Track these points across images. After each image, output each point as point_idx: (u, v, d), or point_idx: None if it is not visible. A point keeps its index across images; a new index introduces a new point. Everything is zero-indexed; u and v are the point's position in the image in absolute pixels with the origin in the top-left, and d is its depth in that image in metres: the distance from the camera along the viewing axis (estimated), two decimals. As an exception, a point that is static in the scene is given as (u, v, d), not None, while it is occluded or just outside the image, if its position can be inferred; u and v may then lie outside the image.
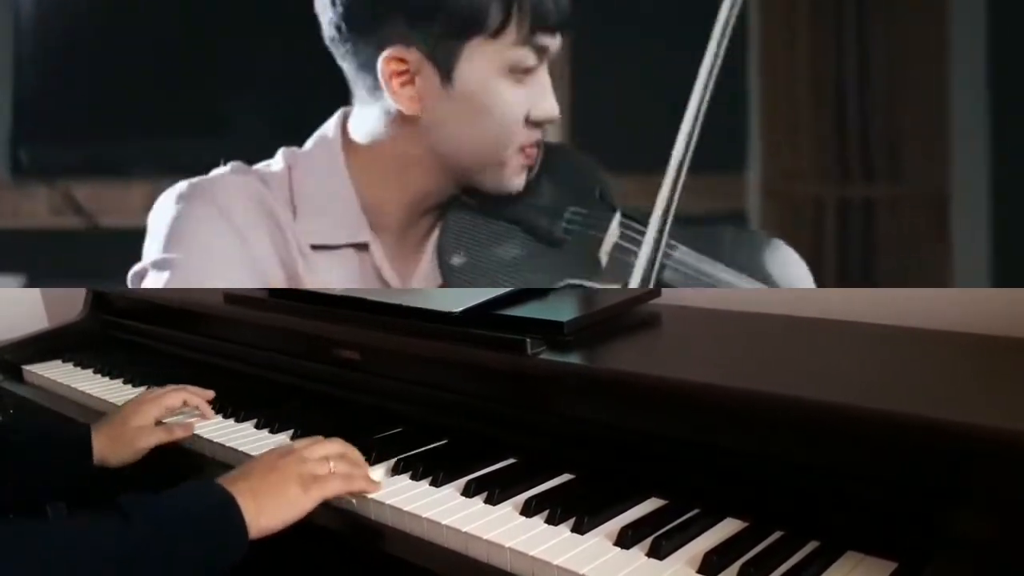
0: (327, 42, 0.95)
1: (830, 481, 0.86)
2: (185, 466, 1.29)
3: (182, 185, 0.92)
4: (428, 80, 0.90)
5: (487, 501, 1.00)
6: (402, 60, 0.90)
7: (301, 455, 1.02)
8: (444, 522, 0.96)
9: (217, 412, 1.39)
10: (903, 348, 1.10)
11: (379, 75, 0.90)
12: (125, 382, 1.63)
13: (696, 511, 0.94)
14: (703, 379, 0.97)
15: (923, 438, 0.80)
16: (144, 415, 1.29)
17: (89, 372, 1.73)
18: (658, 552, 0.86)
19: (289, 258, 0.93)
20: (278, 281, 0.92)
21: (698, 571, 0.83)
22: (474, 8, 0.86)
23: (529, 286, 0.97)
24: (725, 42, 0.85)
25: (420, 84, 0.90)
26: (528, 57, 0.90)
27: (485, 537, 0.92)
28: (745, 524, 0.92)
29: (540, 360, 1.10)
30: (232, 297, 1.56)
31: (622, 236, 0.95)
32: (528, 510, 0.97)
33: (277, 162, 0.96)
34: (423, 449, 1.17)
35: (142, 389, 1.55)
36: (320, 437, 1.10)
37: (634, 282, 0.89)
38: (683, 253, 0.94)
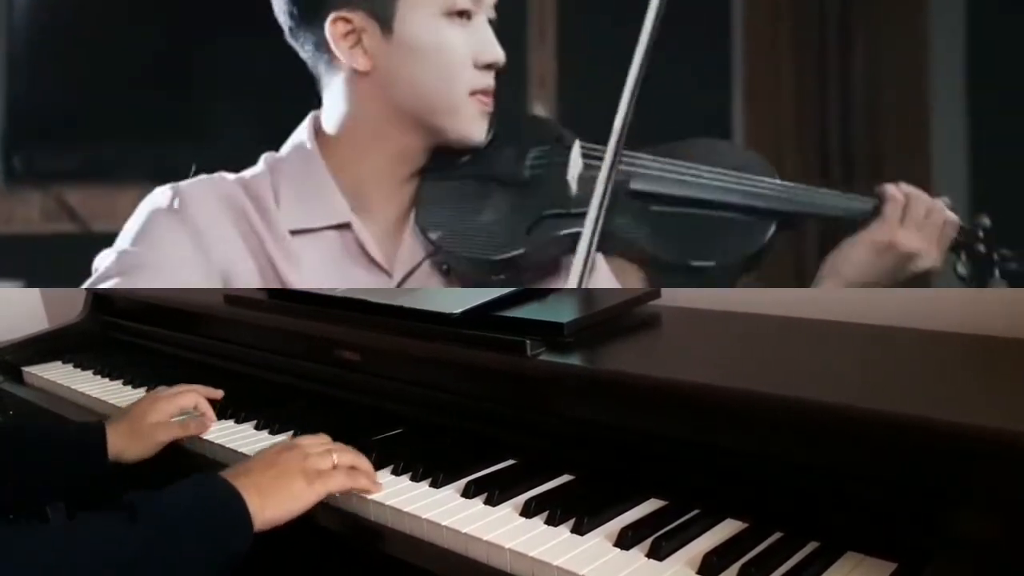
0: (288, 38, 1.01)
1: (830, 481, 0.86)
2: (185, 466, 1.29)
3: (165, 188, 1.00)
4: (373, 35, 0.97)
5: (487, 502, 1.00)
6: (347, 20, 0.97)
7: (304, 449, 1.04)
8: (444, 523, 0.96)
9: (217, 413, 1.39)
10: (903, 348, 1.10)
11: (329, 41, 0.97)
12: (125, 383, 1.63)
13: (696, 512, 0.94)
14: (703, 380, 0.97)
15: (923, 438, 0.80)
16: (161, 411, 1.31)
17: (89, 373, 1.73)
18: (658, 553, 0.86)
19: (263, 250, 0.98)
20: (246, 269, 0.97)
21: (698, 572, 0.83)
22: None
23: (508, 231, 0.99)
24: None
25: (366, 40, 0.97)
26: (463, 2, 0.96)
27: (485, 538, 0.92)
28: (745, 525, 0.92)
29: (540, 361, 1.10)
30: (232, 298, 1.56)
31: (585, 159, 1.00)
32: (528, 511, 0.97)
33: (258, 165, 1.02)
34: (423, 450, 1.16)
35: (142, 390, 1.56)
36: (324, 435, 1.10)
37: (599, 189, 0.93)
38: (647, 158, 1.00)
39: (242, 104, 1.71)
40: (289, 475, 0.99)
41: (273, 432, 1.30)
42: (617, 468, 1.03)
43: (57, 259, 1.68)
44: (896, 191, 0.97)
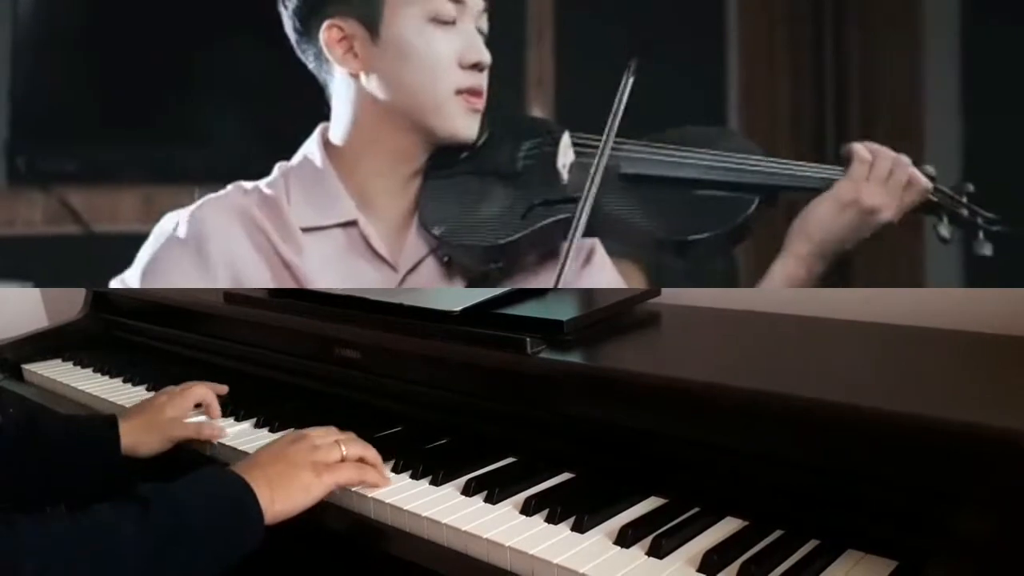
0: (298, 52, 1.08)
1: (830, 479, 0.86)
2: (186, 462, 1.29)
3: (171, 215, 1.06)
4: (362, 41, 1.02)
5: (487, 500, 1.00)
6: (339, 28, 1.02)
7: (313, 441, 1.04)
8: (444, 521, 0.96)
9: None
10: (903, 348, 1.10)
11: (323, 47, 1.03)
12: (125, 381, 1.63)
13: (696, 510, 0.94)
14: (703, 378, 0.97)
15: (923, 438, 0.80)
16: (178, 407, 1.32)
17: (89, 371, 1.73)
18: (658, 551, 0.86)
19: (276, 252, 1.03)
20: (261, 277, 1.03)
21: (698, 570, 0.83)
22: None
23: (505, 220, 1.04)
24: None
25: (357, 46, 1.03)
26: (445, 8, 1.01)
27: (485, 536, 0.92)
28: (745, 523, 0.92)
29: (540, 359, 1.10)
30: (232, 296, 1.56)
31: (577, 149, 1.05)
32: (528, 509, 0.97)
33: (274, 173, 1.08)
34: (423, 448, 1.17)
35: (142, 388, 1.56)
36: (332, 427, 1.11)
37: (597, 177, 0.98)
38: (634, 144, 1.04)
39: (243, 107, 1.72)
40: (298, 467, 1.00)
41: (273, 430, 1.30)
42: (617, 466, 1.03)
43: (59, 260, 1.69)
44: (863, 150, 1.00)
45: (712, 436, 0.95)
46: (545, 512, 0.96)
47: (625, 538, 0.89)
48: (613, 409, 1.03)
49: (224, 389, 1.41)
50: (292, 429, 1.26)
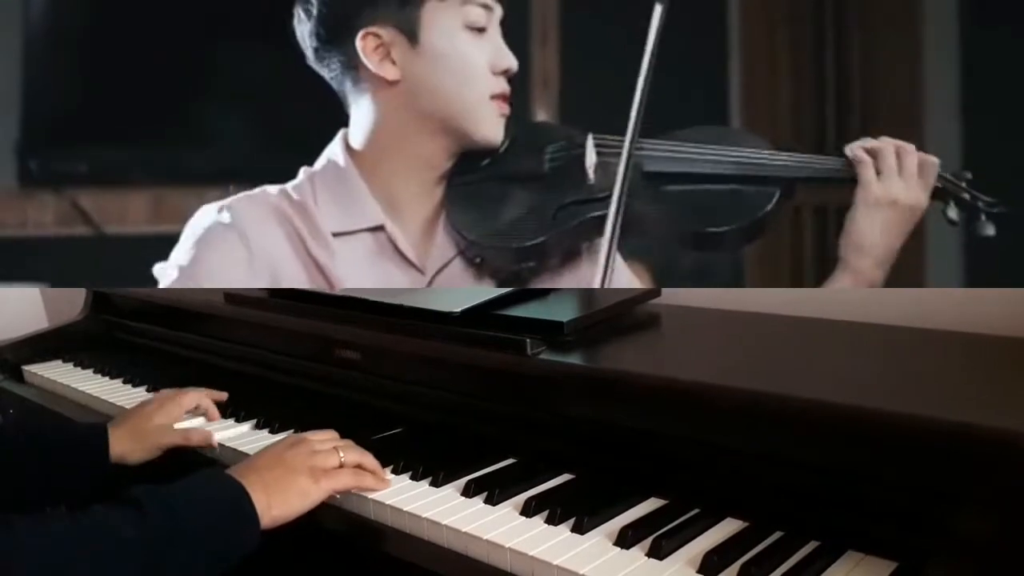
0: (310, 60, 1.08)
1: (830, 481, 0.86)
2: (184, 464, 1.29)
3: (211, 205, 1.05)
4: (401, 47, 1.03)
5: (487, 501, 1.00)
6: (376, 35, 1.03)
7: (311, 446, 1.04)
8: (444, 522, 0.96)
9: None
10: (903, 348, 1.10)
11: (360, 55, 1.03)
12: (125, 382, 1.63)
13: (696, 511, 0.94)
14: (703, 379, 0.97)
15: (923, 437, 0.80)
16: (166, 414, 1.31)
17: (89, 372, 1.73)
18: (658, 552, 0.86)
19: (310, 251, 1.04)
20: (298, 277, 1.03)
21: (698, 571, 0.83)
22: None
23: (535, 221, 1.06)
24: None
25: (395, 53, 1.03)
26: (478, 14, 1.04)
27: (485, 537, 0.92)
28: (745, 524, 0.92)
29: (540, 360, 1.10)
30: (232, 297, 1.56)
31: (599, 150, 1.06)
32: (528, 510, 0.97)
33: (300, 177, 1.08)
34: (423, 449, 1.16)
35: (142, 389, 1.56)
36: (332, 431, 1.11)
37: (621, 170, 0.99)
38: (656, 143, 1.06)
39: (252, 110, 1.73)
40: (296, 472, 1.00)
41: (273, 431, 1.30)
42: (617, 467, 1.03)
43: (69, 262, 1.69)
44: (862, 153, 1.02)
45: (712, 437, 0.95)
46: (545, 513, 0.96)
47: (625, 539, 0.89)
48: (613, 410, 1.03)
49: (223, 396, 1.40)
50: (292, 430, 1.27)
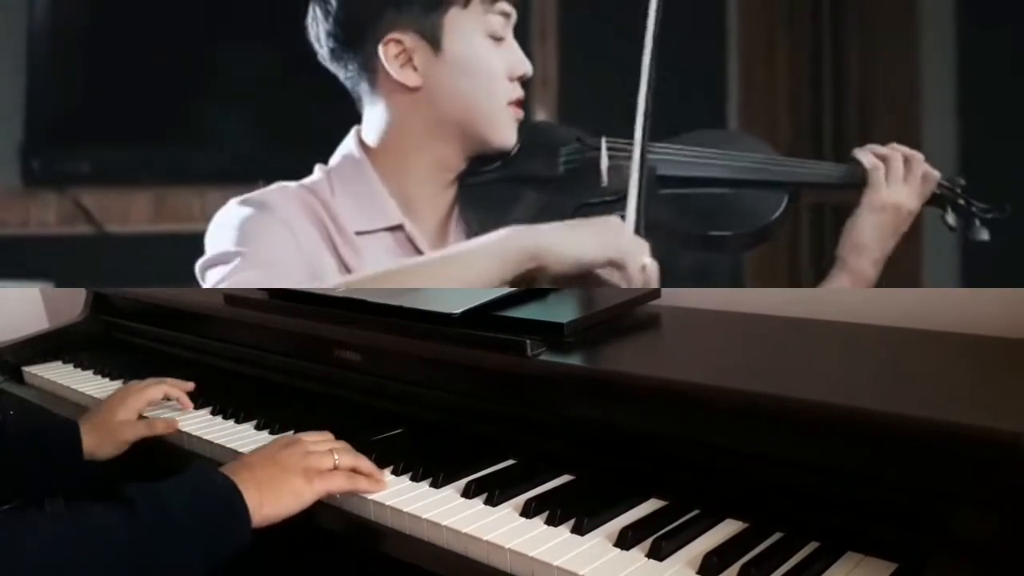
0: (324, 59, 1.07)
1: (830, 481, 0.86)
2: (185, 466, 1.29)
3: (245, 197, 1.03)
4: (423, 54, 1.03)
5: (487, 502, 1.00)
6: (399, 42, 1.03)
7: (306, 447, 1.05)
8: (444, 523, 0.96)
9: (217, 413, 1.39)
10: (903, 348, 1.10)
11: (382, 60, 1.03)
12: (125, 383, 1.63)
13: (696, 512, 0.94)
14: (703, 380, 0.97)
15: (923, 438, 0.80)
16: (128, 408, 1.33)
17: (89, 373, 1.73)
18: (658, 553, 0.86)
19: (336, 247, 1.04)
20: (330, 270, 1.03)
21: (698, 572, 0.83)
22: None
23: (548, 223, 1.05)
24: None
25: (417, 59, 1.03)
26: (498, 23, 1.04)
27: (485, 538, 0.92)
28: (745, 525, 0.92)
29: (540, 361, 1.10)
30: (232, 298, 1.56)
31: (613, 152, 1.08)
32: (528, 511, 0.97)
33: (316, 174, 1.08)
34: (423, 450, 1.16)
35: (142, 390, 1.56)
36: (328, 433, 1.11)
37: (634, 175, 1.00)
38: (668, 147, 1.08)
39: (254, 110, 1.73)
40: (289, 472, 1.00)
41: (273, 432, 1.30)
42: (617, 468, 1.03)
43: (72, 260, 1.70)
44: (874, 159, 1.07)
45: (712, 438, 0.95)
46: (545, 514, 0.96)
47: (625, 540, 0.89)
48: (613, 411, 1.03)
49: (190, 385, 1.42)
50: (292, 431, 1.27)
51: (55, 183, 1.70)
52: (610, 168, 1.07)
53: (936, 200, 1.09)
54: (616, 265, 0.96)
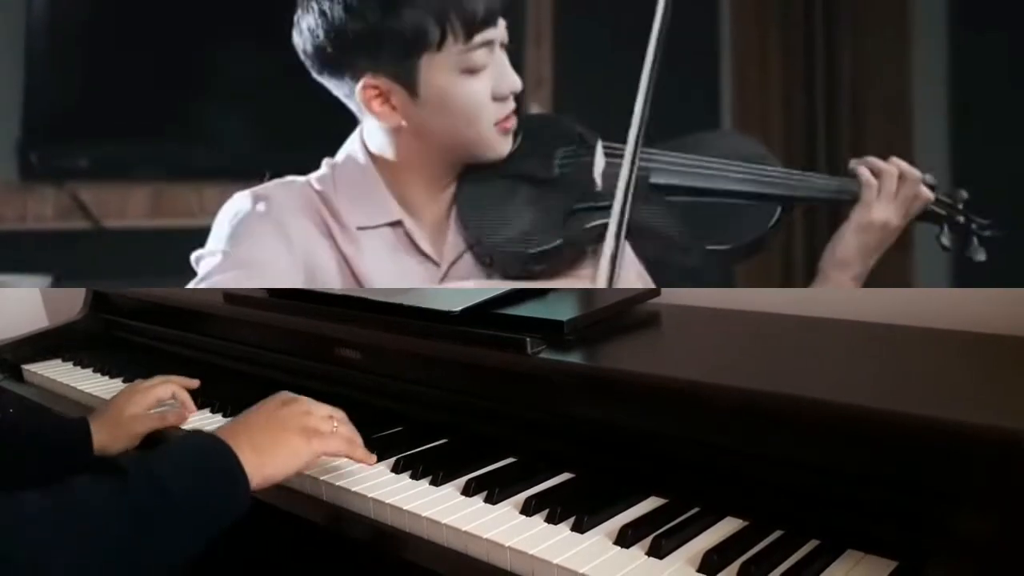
0: (315, 76, 1.07)
1: (830, 479, 0.86)
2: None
3: (244, 193, 1.05)
4: (400, 96, 1.03)
5: (487, 500, 1.00)
6: (375, 87, 1.03)
7: (306, 406, 1.05)
8: (444, 521, 0.96)
9: (217, 411, 1.39)
10: (903, 348, 1.10)
11: (361, 104, 1.04)
12: (125, 381, 1.63)
13: (696, 510, 0.94)
14: (703, 378, 0.97)
15: (923, 438, 0.80)
16: (138, 403, 1.34)
17: (89, 371, 1.73)
18: (658, 551, 0.86)
19: (337, 242, 1.05)
20: (328, 265, 1.04)
21: (698, 570, 0.83)
22: (415, 32, 1.00)
23: (544, 225, 1.07)
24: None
25: (395, 100, 1.03)
26: (478, 57, 1.02)
27: (485, 536, 0.92)
28: (745, 523, 0.92)
29: (540, 359, 1.10)
30: (232, 297, 1.56)
31: (608, 157, 1.08)
32: (528, 509, 0.97)
33: (322, 169, 1.09)
34: (423, 448, 1.17)
35: (142, 388, 1.56)
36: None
37: (622, 182, 1.01)
38: (663, 154, 1.08)
39: (252, 107, 1.74)
40: (288, 431, 1.01)
41: (273, 430, 1.30)
42: (617, 466, 1.03)
43: (69, 255, 1.71)
44: (869, 176, 1.06)
45: (712, 436, 0.95)
46: (545, 512, 0.96)
47: (625, 538, 0.89)
48: (613, 409, 1.03)
49: (195, 383, 1.43)
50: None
51: (53, 178, 1.70)
52: (604, 173, 1.07)
53: (933, 217, 1.08)
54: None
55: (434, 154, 1.06)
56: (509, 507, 0.99)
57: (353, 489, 1.06)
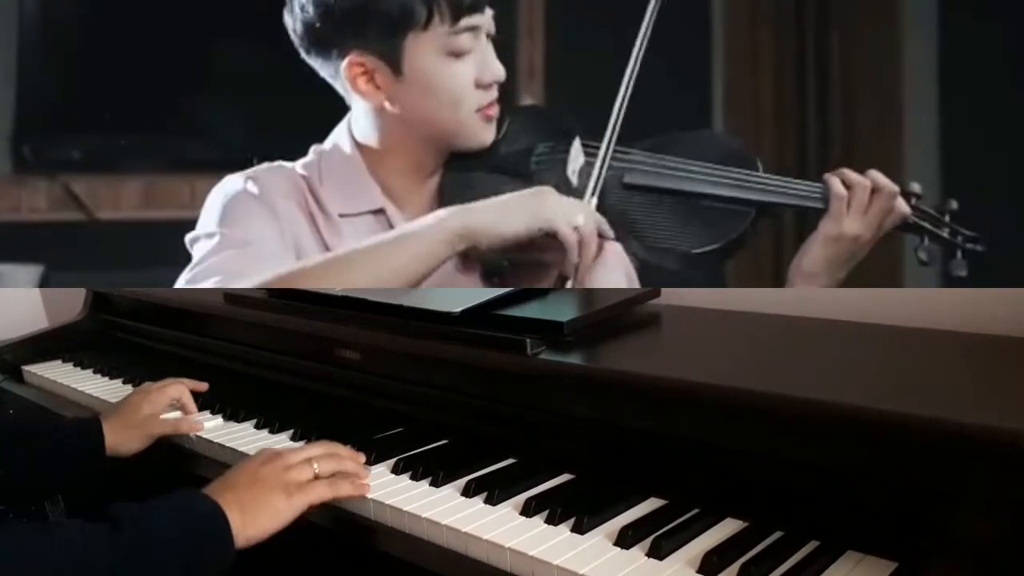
0: (304, 57, 1.08)
1: (830, 481, 0.86)
2: (186, 465, 1.30)
3: (236, 175, 1.06)
4: (384, 75, 1.04)
5: (487, 501, 1.00)
6: (360, 64, 1.04)
7: (285, 461, 1.04)
8: (444, 522, 0.96)
9: (217, 412, 1.39)
10: (903, 348, 1.10)
11: (346, 81, 1.05)
12: (125, 382, 1.63)
13: (696, 511, 0.94)
14: (703, 379, 0.97)
15: (923, 438, 0.80)
16: (153, 404, 1.35)
17: (89, 372, 1.73)
18: (658, 552, 0.86)
19: (319, 229, 1.06)
20: (312, 251, 1.05)
21: (698, 571, 0.83)
22: (401, 10, 1.02)
23: None
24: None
25: (379, 79, 1.05)
26: (463, 40, 1.04)
27: (485, 537, 0.92)
28: (745, 524, 0.92)
29: (540, 360, 1.10)
30: (232, 297, 1.56)
31: (585, 155, 1.08)
32: (528, 510, 0.97)
33: (310, 156, 1.11)
34: (423, 449, 1.17)
35: (142, 389, 1.56)
36: (308, 445, 1.11)
37: (592, 181, 1.02)
38: (638, 154, 1.08)
39: (244, 100, 1.74)
40: (269, 490, 1.00)
41: (273, 431, 1.30)
42: (617, 467, 1.03)
43: (63, 246, 1.72)
44: (839, 187, 1.04)
45: (712, 437, 0.95)
46: (545, 513, 0.96)
47: (625, 539, 0.89)
48: (613, 410, 1.03)
49: (204, 386, 1.43)
50: (292, 430, 1.28)
51: (46, 170, 1.71)
52: (580, 170, 1.08)
53: (915, 228, 1.06)
54: (548, 231, 0.99)
55: (418, 140, 1.08)
56: (509, 508, 0.99)
57: (353, 490, 1.06)
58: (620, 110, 1.02)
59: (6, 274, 1.70)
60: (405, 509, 1.00)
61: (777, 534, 0.89)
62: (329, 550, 1.09)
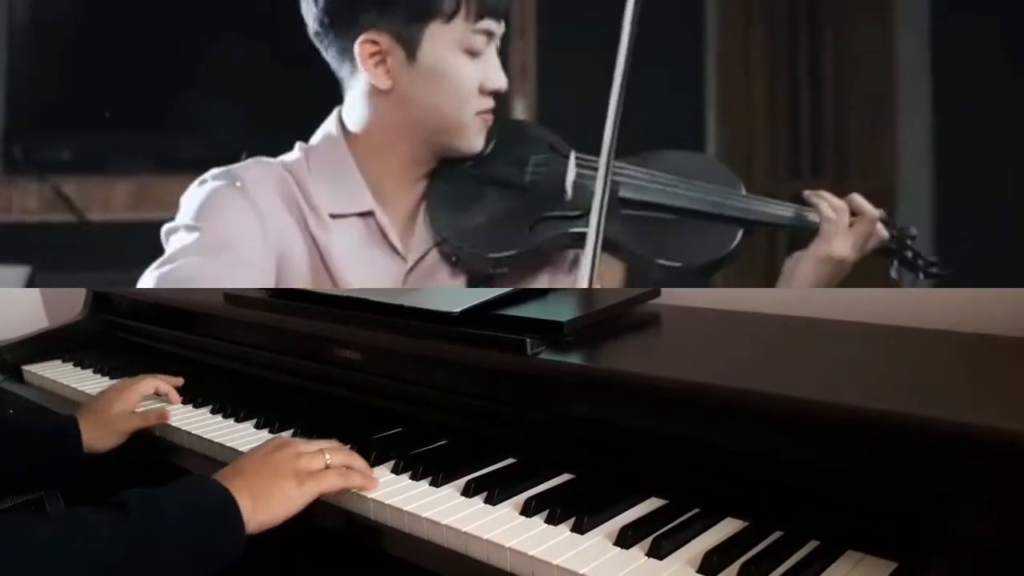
0: (311, 36, 1.09)
1: (830, 481, 0.86)
2: (183, 465, 1.30)
3: (222, 169, 1.06)
4: (397, 58, 1.05)
5: (487, 501, 1.00)
6: (375, 43, 1.05)
7: (297, 449, 1.04)
8: (444, 522, 0.96)
9: (216, 412, 1.39)
10: (902, 348, 1.10)
11: (356, 57, 1.05)
12: (125, 382, 1.63)
13: (696, 511, 0.94)
14: (703, 379, 0.97)
15: (923, 438, 0.80)
16: (125, 401, 1.37)
17: (89, 372, 1.73)
18: (658, 552, 0.86)
19: (309, 227, 1.07)
20: (299, 248, 1.05)
21: (698, 571, 0.83)
22: None
23: (510, 230, 1.10)
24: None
25: (390, 62, 1.05)
26: (478, 41, 1.05)
27: (485, 537, 0.92)
28: (745, 524, 0.92)
29: (540, 360, 1.10)
30: (232, 297, 1.56)
31: (580, 169, 1.10)
32: (528, 510, 0.97)
33: (295, 153, 1.10)
34: (423, 449, 1.17)
35: (142, 389, 1.56)
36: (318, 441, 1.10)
37: (596, 199, 1.02)
38: (634, 170, 1.11)
39: (235, 100, 1.74)
40: (281, 476, 1.00)
41: (273, 431, 1.30)
42: (617, 467, 1.03)
43: (53, 247, 1.72)
44: (829, 210, 1.08)
45: (712, 437, 0.95)
46: (545, 513, 0.96)
47: (625, 539, 0.89)
48: (613, 410, 1.03)
49: (179, 381, 1.46)
50: (293, 430, 1.28)
51: (36, 171, 1.72)
52: (575, 183, 1.09)
53: (885, 252, 1.12)
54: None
55: (412, 133, 1.08)
56: (509, 508, 0.99)
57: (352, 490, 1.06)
58: (614, 126, 1.02)
59: (-10, 275, 1.71)
60: (405, 509, 1.00)
61: (777, 534, 0.89)
62: (329, 550, 1.09)
